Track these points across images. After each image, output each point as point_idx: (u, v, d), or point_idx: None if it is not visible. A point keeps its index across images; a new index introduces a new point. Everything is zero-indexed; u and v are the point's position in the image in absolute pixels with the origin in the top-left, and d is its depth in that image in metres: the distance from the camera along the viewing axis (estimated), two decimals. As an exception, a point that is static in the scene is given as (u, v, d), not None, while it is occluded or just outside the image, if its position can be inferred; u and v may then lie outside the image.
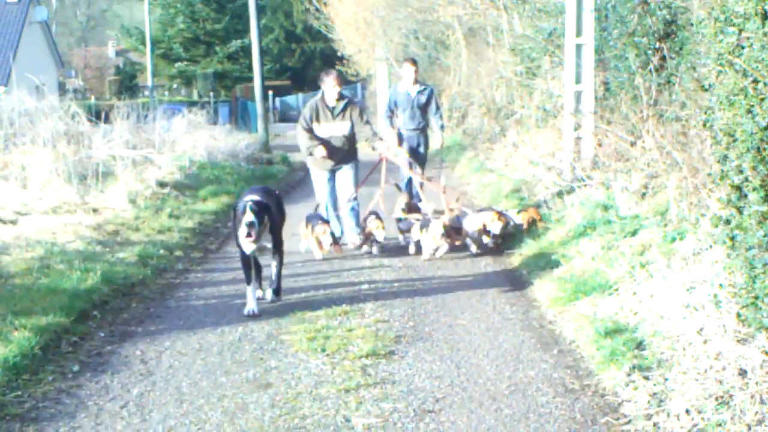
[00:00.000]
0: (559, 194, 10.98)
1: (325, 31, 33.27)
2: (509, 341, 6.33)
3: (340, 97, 9.61)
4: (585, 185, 10.73)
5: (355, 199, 9.86)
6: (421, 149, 11.44)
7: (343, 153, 9.74)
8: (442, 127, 11.57)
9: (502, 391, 5.30)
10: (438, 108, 11.63)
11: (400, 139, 11.07)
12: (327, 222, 9.35)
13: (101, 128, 16.24)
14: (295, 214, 9.71)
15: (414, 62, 11.54)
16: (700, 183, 7.53)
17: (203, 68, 47.96)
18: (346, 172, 9.84)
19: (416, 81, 11.35)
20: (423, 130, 11.47)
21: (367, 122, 9.83)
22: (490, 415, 4.91)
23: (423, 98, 11.33)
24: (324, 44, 40.58)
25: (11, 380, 5.44)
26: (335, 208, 9.96)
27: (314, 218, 9.41)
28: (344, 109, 9.61)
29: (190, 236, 10.79)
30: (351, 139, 9.77)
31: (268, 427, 4.78)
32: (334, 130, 9.60)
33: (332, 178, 9.87)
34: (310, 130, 9.57)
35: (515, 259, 9.17)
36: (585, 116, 11.74)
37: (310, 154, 9.56)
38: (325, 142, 9.52)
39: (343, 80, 9.87)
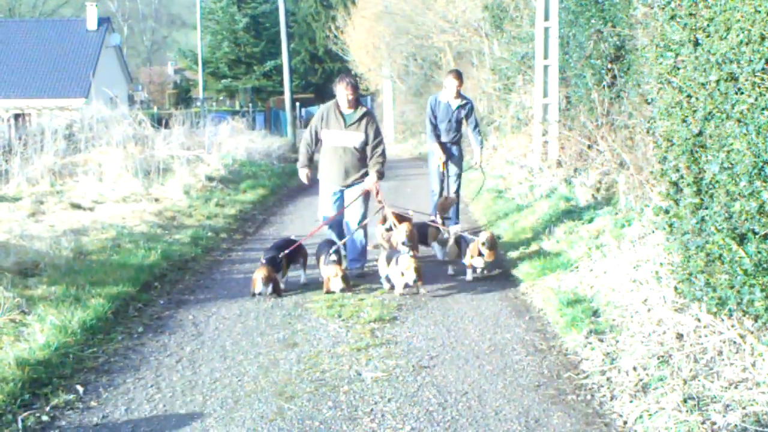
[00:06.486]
0: (530, 188, 10.89)
1: (341, 53, 33.28)
2: (490, 309, 6.27)
3: (357, 105, 7.31)
4: (551, 181, 10.65)
5: (364, 226, 7.52)
6: (456, 159, 9.05)
7: (352, 167, 7.39)
8: (481, 143, 9.21)
9: (484, 350, 5.24)
10: (477, 123, 9.19)
11: (446, 150, 8.94)
12: (339, 262, 6.95)
13: (162, 132, 16.33)
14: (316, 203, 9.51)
15: (458, 75, 8.85)
16: (644, 179, 7.46)
17: (244, 84, 47.84)
18: (355, 193, 7.42)
19: (458, 94, 8.82)
20: (458, 142, 9.06)
21: (379, 144, 7.32)
22: (474, 370, 4.85)
23: (463, 112, 8.90)
24: (341, 64, 40.29)
25: (88, 339, 5.41)
26: (339, 231, 7.60)
27: (324, 248, 7.07)
28: (360, 120, 7.29)
29: (232, 221, 10.71)
30: (363, 153, 7.37)
31: (295, 379, 4.72)
32: (345, 139, 7.30)
33: (341, 197, 7.51)
34: (313, 143, 7.50)
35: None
36: (551, 124, 11.67)
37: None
38: (331, 152, 7.42)
39: (355, 88, 7.34)
